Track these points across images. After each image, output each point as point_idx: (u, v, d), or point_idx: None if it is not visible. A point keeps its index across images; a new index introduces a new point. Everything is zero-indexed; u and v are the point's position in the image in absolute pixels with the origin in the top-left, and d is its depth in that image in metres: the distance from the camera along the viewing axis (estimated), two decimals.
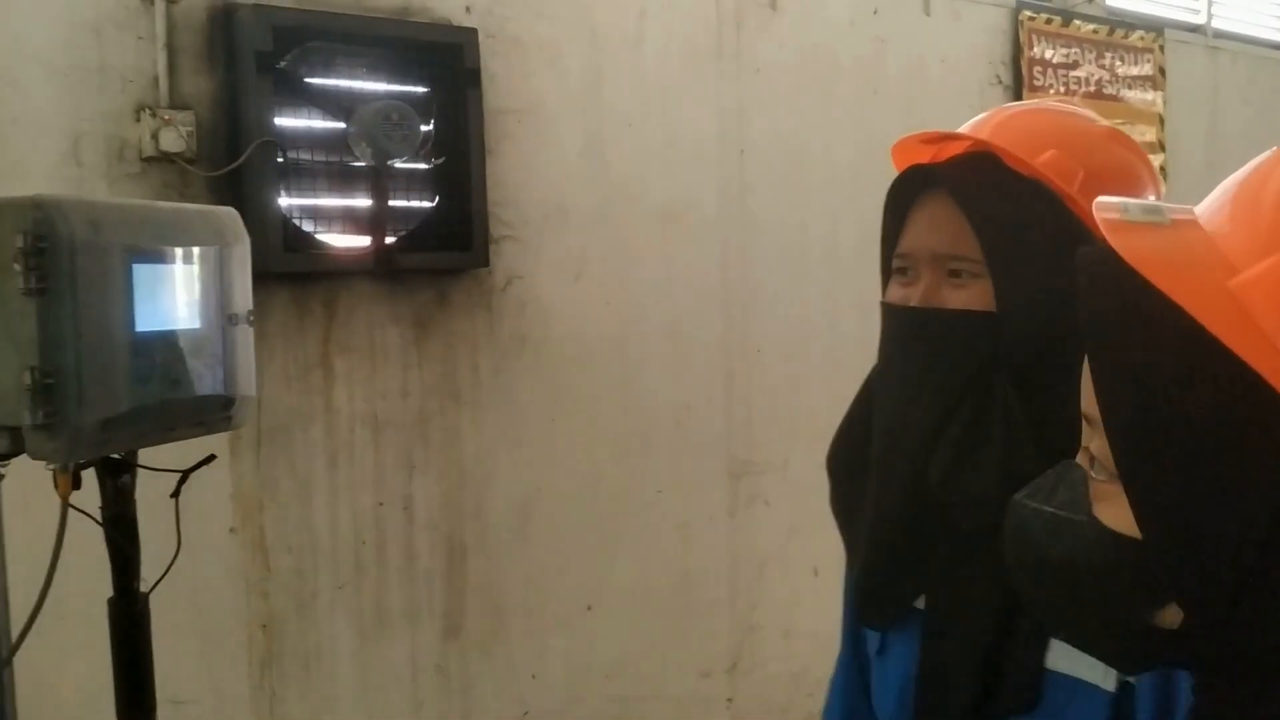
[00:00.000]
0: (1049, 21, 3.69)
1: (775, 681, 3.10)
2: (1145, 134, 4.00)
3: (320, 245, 2.27)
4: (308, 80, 2.24)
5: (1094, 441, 0.67)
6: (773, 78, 3.03)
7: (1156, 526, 0.62)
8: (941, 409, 1.00)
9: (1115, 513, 0.65)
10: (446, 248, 2.42)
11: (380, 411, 2.43)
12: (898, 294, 1.05)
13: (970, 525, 0.97)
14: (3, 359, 1.09)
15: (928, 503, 0.99)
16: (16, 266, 1.07)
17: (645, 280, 2.80)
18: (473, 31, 2.43)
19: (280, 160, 2.16)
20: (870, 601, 1.09)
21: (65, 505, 1.09)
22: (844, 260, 3.20)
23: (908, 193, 1.07)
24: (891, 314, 1.06)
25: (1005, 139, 1.03)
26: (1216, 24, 4.40)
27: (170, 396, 1.15)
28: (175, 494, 1.29)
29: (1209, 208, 0.64)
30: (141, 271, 1.13)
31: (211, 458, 1.34)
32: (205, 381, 1.18)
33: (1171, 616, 0.64)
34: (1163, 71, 4.07)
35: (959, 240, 1.00)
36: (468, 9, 2.50)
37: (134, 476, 1.23)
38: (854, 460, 1.09)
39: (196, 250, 1.18)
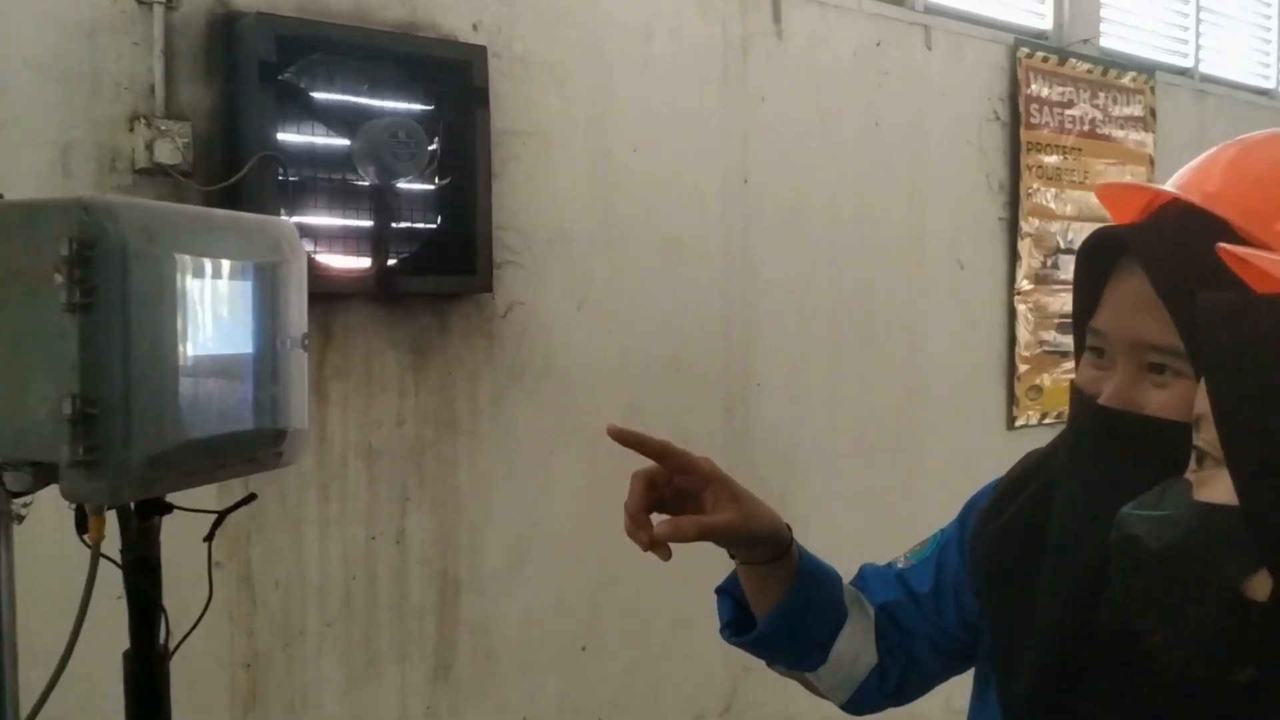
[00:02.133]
0: (1045, 60, 3.68)
1: None
2: (1137, 175, 4.00)
3: (319, 266, 2.17)
4: (312, 94, 2.15)
5: (1201, 436, 0.70)
6: (777, 107, 2.98)
7: (1252, 487, 0.65)
8: None
9: (1215, 489, 0.68)
10: (449, 271, 2.33)
11: (375, 440, 2.32)
12: (1089, 376, 0.90)
13: (1134, 695, 0.82)
14: (35, 384, 0.95)
15: (1101, 649, 0.84)
16: (58, 277, 0.93)
17: (649, 310, 2.72)
18: (482, 49, 2.35)
19: (281, 177, 2.06)
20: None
21: (97, 553, 0.97)
22: (846, 294, 3.15)
23: (1102, 257, 0.89)
24: (1077, 401, 0.91)
25: (1234, 193, 0.82)
26: (1204, 68, 4.43)
27: (222, 430, 1.04)
28: (209, 537, 1.18)
29: None
30: (195, 286, 1.01)
31: (253, 497, 1.23)
32: (258, 413, 1.06)
33: (1261, 586, 0.66)
34: (1153, 113, 4.08)
35: (1163, 329, 0.82)
36: (475, 26, 2.42)
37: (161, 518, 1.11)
38: (1021, 567, 0.93)
39: (253, 265, 1.06)
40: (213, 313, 1.03)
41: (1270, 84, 4.82)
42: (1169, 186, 0.88)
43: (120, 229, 0.95)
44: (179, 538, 1.29)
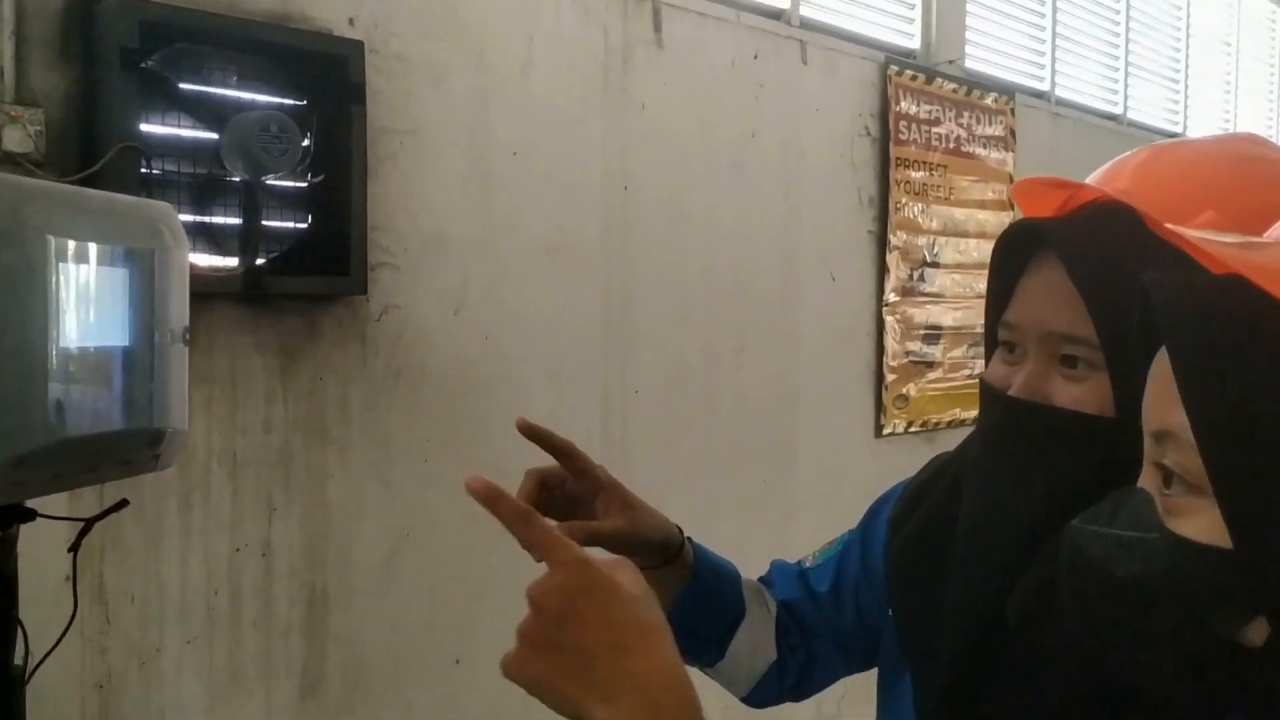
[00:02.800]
0: (914, 78, 3.79)
1: None
2: (999, 193, 4.15)
3: None
4: (178, 84, 2.05)
5: (1169, 456, 0.64)
6: (657, 114, 2.98)
7: (1252, 532, 0.59)
8: (1031, 529, 0.81)
9: (1197, 524, 0.62)
10: (321, 272, 2.25)
11: (240, 448, 2.22)
12: (999, 372, 0.88)
13: (1049, 686, 0.80)
14: None
15: (1011, 646, 0.82)
16: None
17: (527, 316, 2.68)
18: (359, 44, 2.28)
19: (144, 170, 1.95)
20: None
21: None
22: (722, 302, 3.17)
23: (1018, 251, 0.89)
24: (986, 396, 0.89)
25: (1150, 192, 0.83)
26: (1059, 92, 4.63)
27: (95, 430, 0.95)
28: (75, 547, 1.09)
29: None
30: (67, 272, 0.91)
31: (124, 503, 1.15)
32: (134, 412, 0.98)
33: (1258, 633, 0.61)
34: (1013, 133, 4.24)
35: (1077, 319, 0.81)
36: (351, 21, 2.35)
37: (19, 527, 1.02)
38: (931, 563, 0.92)
39: (132, 250, 0.97)
40: (86, 301, 0.94)
41: (1118, 109, 5.07)
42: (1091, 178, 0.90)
43: None
44: (30, 549, 1.20)
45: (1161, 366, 0.66)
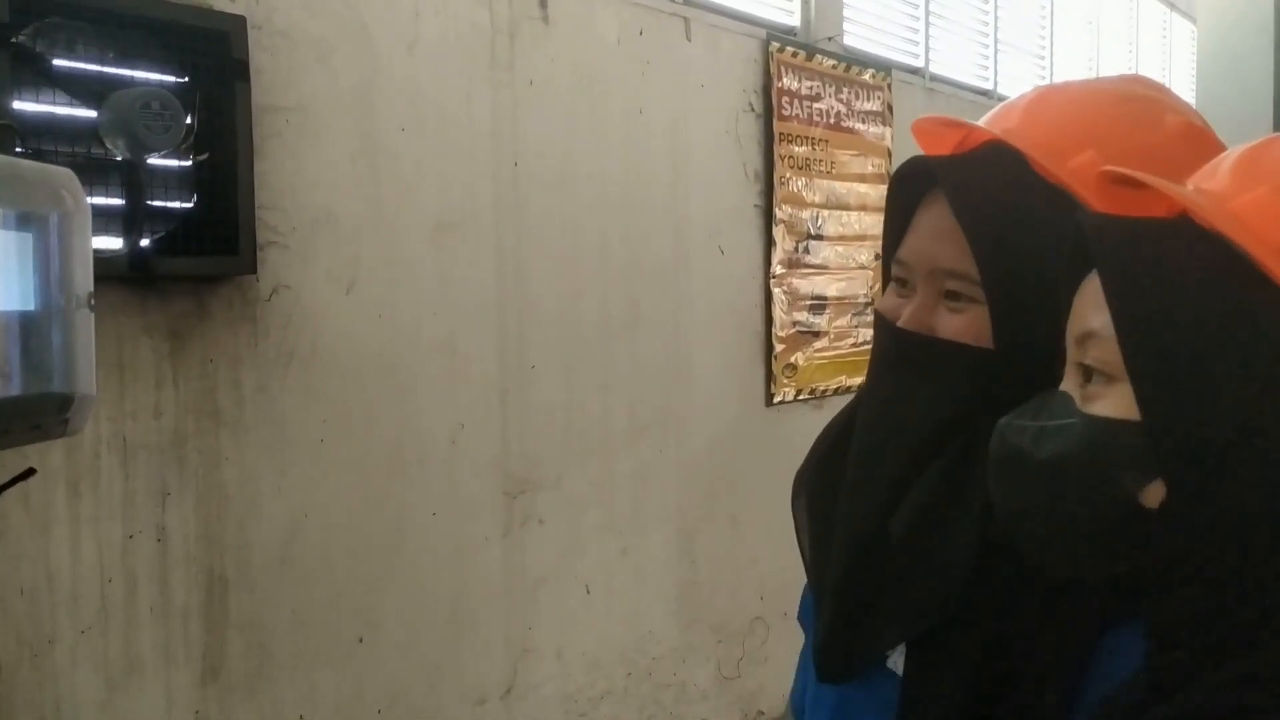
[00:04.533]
0: (795, 55, 3.87)
1: (549, 704, 3.04)
2: (878, 166, 4.28)
3: None
4: (52, 59, 1.99)
5: (1090, 354, 0.73)
6: (545, 91, 2.99)
7: (1157, 406, 0.69)
8: (914, 450, 0.87)
9: (1112, 404, 0.71)
10: (208, 252, 2.21)
11: (130, 433, 2.18)
12: (891, 304, 0.93)
13: (928, 599, 0.85)
14: None
15: (895, 559, 0.86)
16: None
17: (419, 293, 2.68)
18: (241, 19, 2.24)
19: (20, 150, 1.90)
20: (832, 655, 0.93)
21: None
22: (614, 276, 3.21)
23: (913, 188, 0.92)
24: (878, 327, 0.94)
25: (1035, 132, 0.87)
26: (933, 68, 4.78)
27: (3, 394, 0.94)
28: None
29: (1205, 175, 0.75)
30: None
31: (31, 471, 1.13)
32: (41, 376, 0.97)
33: (1155, 495, 0.70)
34: (890, 108, 4.37)
35: (961, 256, 0.85)
36: None
37: None
38: (827, 487, 0.96)
39: (32, 214, 0.96)
40: None
41: (989, 85, 5.26)
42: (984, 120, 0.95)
43: None
44: None
45: (1089, 285, 0.74)
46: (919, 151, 0.97)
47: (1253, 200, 0.69)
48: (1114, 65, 6.60)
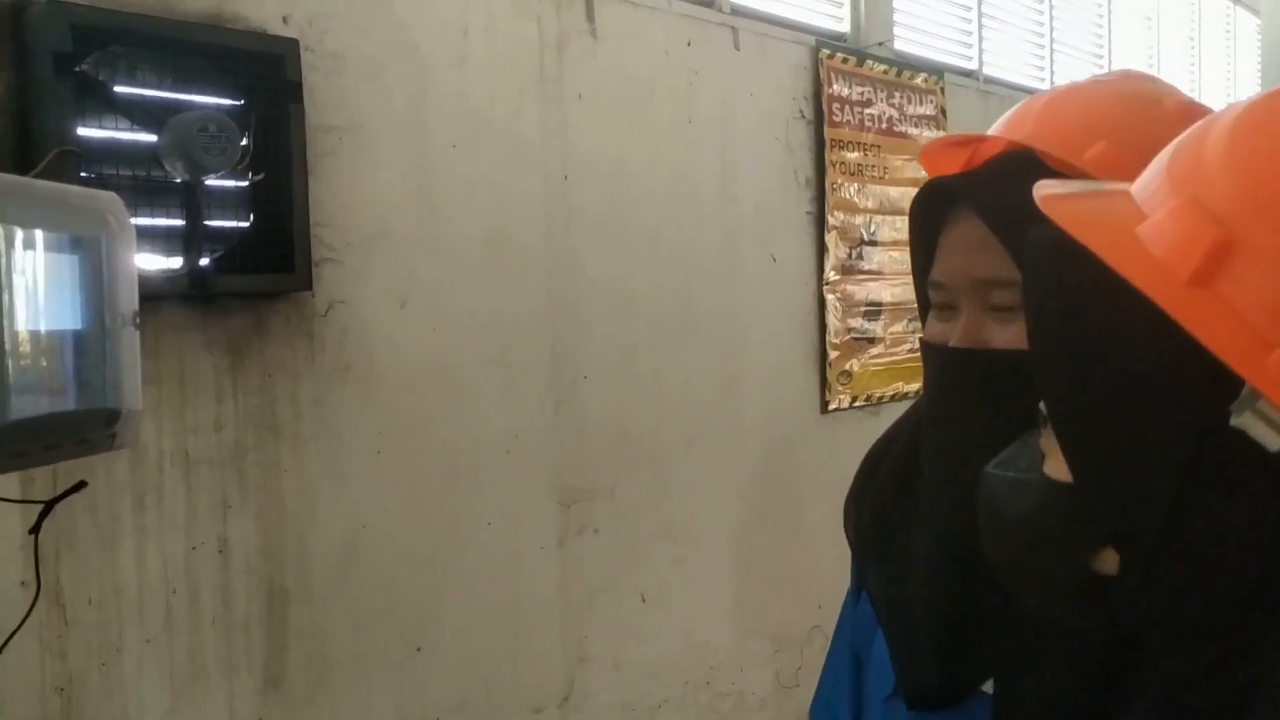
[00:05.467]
0: (845, 61, 3.86)
1: (607, 713, 3.05)
2: None
3: None
4: (113, 87, 2.05)
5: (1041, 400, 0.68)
6: (594, 104, 3.02)
7: (1082, 466, 0.63)
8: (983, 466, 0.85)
9: (1055, 462, 0.66)
10: (265, 270, 2.27)
11: (192, 447, 2.24)
12: (936, 330, 0.92)
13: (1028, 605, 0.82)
14: None
15: (983, 578, 0.82)
16: None
17: (472, 306, 2.72)
18: (294, 42, 2.30)
19: (85, 174, 1.96)
20: (924, 686, 0.91)
21: None
22: (665, 287, 3.22)
23: (933, 211, 0.92)
24: (929, 354, 0.93)
25: (1048, 133, 0.88)
26: (987, 70, 4.74)
27: (53, 410, 0.98)
28: (35, 529, 1.12)
29: (1146, 177, 0.67)
30: (19, 259, 0.94)
31: (82, 484, 1.17)
32: (90, 392, 1.01)
33: (1108, 561, 0.64)
34: (944, 112, 4.33)
35: (999, 264, 0.85)
36: (285, 19, 2.36)
37: None
38: (893, 521, 0.95)
39: (80, 237, 1.00)
40: (37, 287, 0.97)
41: (1045, 86, 5.19)
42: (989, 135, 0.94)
43: None
44: None
45: None
46: (940, 143, 0.97)
47: (1160, 220, 0.60)
48: (1175, 61, 6.48)
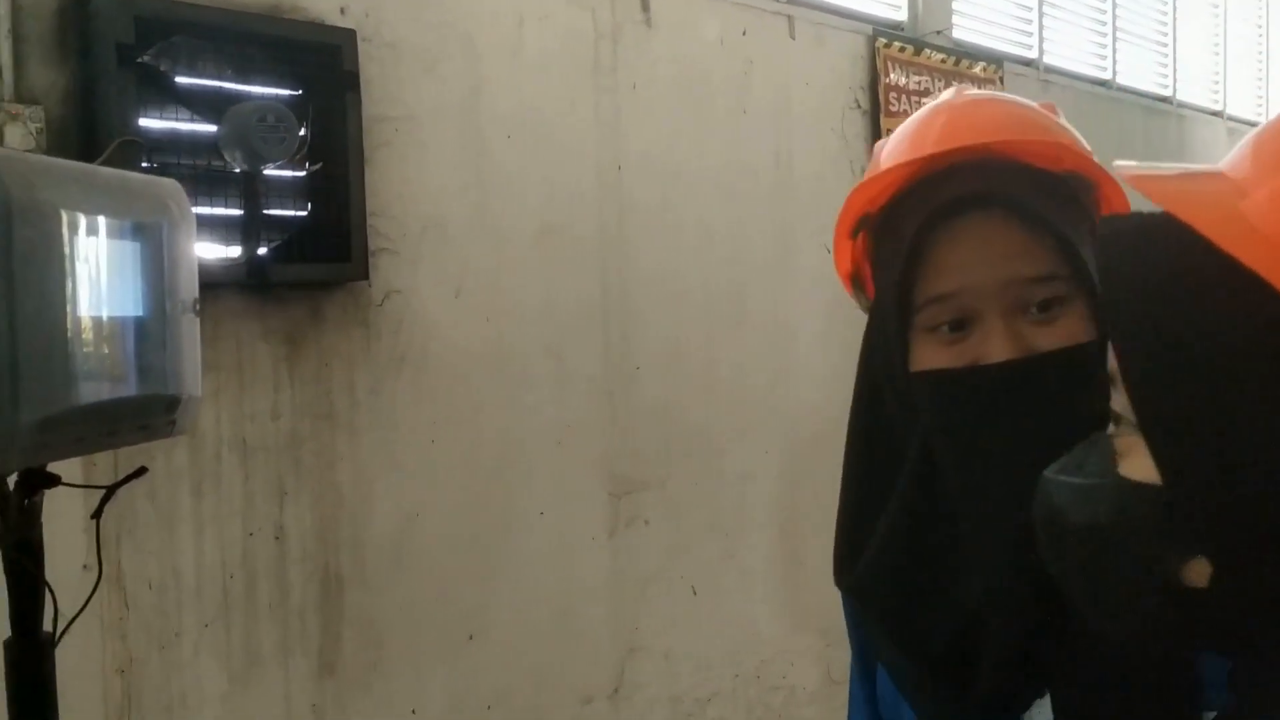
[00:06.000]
0: (902, 50, 3.81)
1: (656, 704, 3.05)
2: None
3: None
4: (174, 77, 2.08)
5: (1116, 399, 0.64)
6: (648, 94, 3.01)
7: (1176, 465, 0.58)
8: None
9: (1137, 463, 0.61)
10: (322, 259, 2.28)
11: (249, 434, 2.26)
12: (944, 356, 0.83)
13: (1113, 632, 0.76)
14: None
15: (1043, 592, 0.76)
16: None
17: (525, 296, 2.72)
18: (351, 33, 2.31)
19: (146, 164, 1.99)
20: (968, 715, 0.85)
21: None
22: (718, 277, 3.20)
23: (913, 225, 0.84)
24: (962, 379, 0.83)
25: (1010, 134, 0.87)
26: (1047, 60, 4.65)
27: (114, 395, 0.99)
28: (97, 514, 1.13)
29: (1233, 158, 0.63)
30: (82, 245, 0.95)
31: (143, 470, 1.19)
32: (151, 378, 1.02)
33: (1200, 572, 0.59)
34: None
35: (1044, 257, 0.81)
36: (342, 10, 2.38)
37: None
38: (912, 575, 0.88)
39: (142, 224, 1.01)
40: (100, 273, 0.99)
41: (1107, 75, 5.09)
42: (887, 161, 0.91)
43: (2, 183, 0.90)
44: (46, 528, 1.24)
45: None
46: (860, 191, 0.92)
47: (1268, 195, 0.56)
48: (1242, 49, 6.32)
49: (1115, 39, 5.13)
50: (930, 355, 0.85)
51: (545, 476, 2.76)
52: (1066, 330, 0.82)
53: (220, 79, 2.15)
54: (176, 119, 2.09)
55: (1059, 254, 0.82)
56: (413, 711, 2.51)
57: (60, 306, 0.94)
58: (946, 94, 0.97)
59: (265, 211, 2.18)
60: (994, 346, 0.82)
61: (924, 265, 0.84)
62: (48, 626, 1.13)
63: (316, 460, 2.35)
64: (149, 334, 1.04)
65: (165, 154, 2.07)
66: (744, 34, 3.28)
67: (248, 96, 2.16)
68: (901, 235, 0.85)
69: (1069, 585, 0.67)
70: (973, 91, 0.98)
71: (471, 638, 2.62)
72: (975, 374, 0.82)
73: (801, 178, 3.46)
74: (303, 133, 2.19)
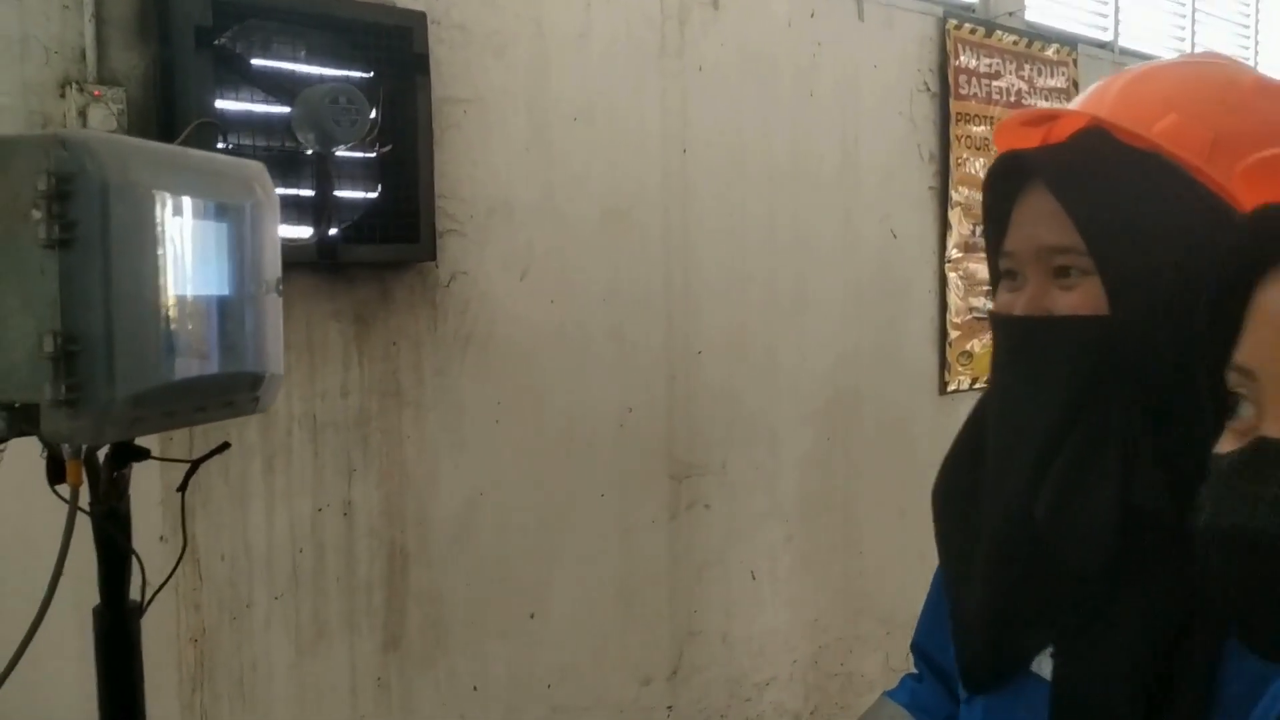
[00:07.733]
0: (973, 32, 3.75)
1: (714, 687, 3.06)
2: None
3: None
4: (250, 60, 2.11)
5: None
6: (715, 77, 3.00)
7: None
8: (1048, 432, 0.87)
9: None
10: (391, 240, 2.31)
11: (319, 412, 2.30)
12: (1004, 301, 0.94)
13: (1081, 568, 0.84)
14: (14, 323, 0.92)
15: (1042, 544, 0.86)
16: (36, 213, 0.91)
17: (590, 279, 2.73)
18: (421, 15, 2.33)
19: (222, 145, 2.03)
20: (980, 663, 0.94)
21: (75, 500, 0.96)
22: (782, 261, 3.19)
23: (1006, 186, 0.94)
24: (995, 325, 0.96)
25: (1121, 109, 0.89)
26: (1123, 42, 4.55)
27: (202, 373, 1.02)
28: (183, 487, 1.17)
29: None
30: (173, 225, 0.99)
31: (226, 446, 1.22)
32: (236, 356, 1.05)
33: None
34: (1076, 85, 4.18)
35: (1065, 230, 0.87)
36: None
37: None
38: (962, 491, 0.98)
39: (228, 205, 1.04)
40: (190, 253, 1.02)
41: None
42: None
43: (99, 164, 0.93)
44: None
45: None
46: (1015, 120, 0.99)
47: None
48: None
49: (1194, 19, 5.00)
50: (999, 297, 0.96)
51: (607, 459, 2.78)
52: (1081, 299, 0.88)
53: (293, 61, 2.19)
54: (251, 101, 2.13)
55: (1080, 231, 0.87)
56: (474, 688, 2.55)
57: (153, 285, 0.97)
58: (1165, 59, 1.06)
59: (336, 193, 2.22)
60: (1022, 301, 0.91)
61: (1010, 222, 0.95)
62: (133, 596, 1.17)
63: (384, 438, 2.39)
64: (234, 313, 1.07)
65: (240, 135, 2.10)
66: (812, 16, 3.25)
67: (320, 79, 2.19)
68: (1003, 191, 0.96)
69: (1244, 595, 0.62)
70: (1181, 58, 1.07)
71: (533, 616, 2.65)
72: (1000, 322, 0.95)
73: (868, 161, 3.43)
74: (373, 115, 2.22)
